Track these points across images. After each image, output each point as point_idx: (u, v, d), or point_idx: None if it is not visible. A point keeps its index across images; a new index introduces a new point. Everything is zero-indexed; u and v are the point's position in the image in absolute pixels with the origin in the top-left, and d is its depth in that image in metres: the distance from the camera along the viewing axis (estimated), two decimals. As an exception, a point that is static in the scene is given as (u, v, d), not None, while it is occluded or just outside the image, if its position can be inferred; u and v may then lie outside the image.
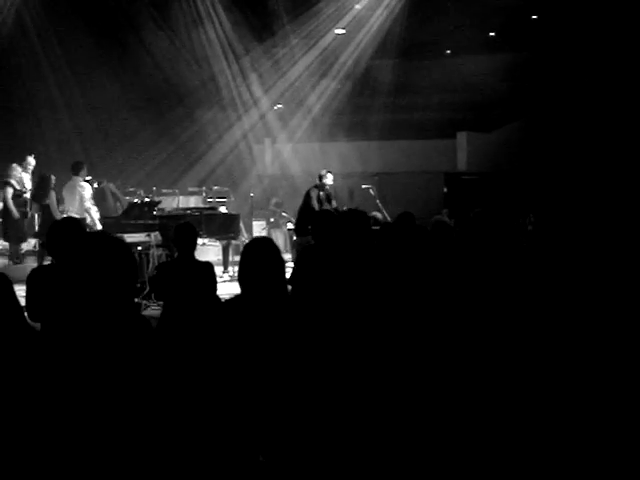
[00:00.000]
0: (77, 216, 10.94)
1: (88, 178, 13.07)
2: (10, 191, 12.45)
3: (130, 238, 10.12)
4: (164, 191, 16.09)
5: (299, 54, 18.25)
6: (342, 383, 4.15)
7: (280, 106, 18.92)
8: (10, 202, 12.44)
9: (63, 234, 4.87)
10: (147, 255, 10.42)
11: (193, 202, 16.03)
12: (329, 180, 12.11)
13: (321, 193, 11.99)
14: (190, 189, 16.90)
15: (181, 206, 15.21)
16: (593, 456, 3.96)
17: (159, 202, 12.68)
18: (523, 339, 4.58)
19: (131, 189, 15.60)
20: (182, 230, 6.28)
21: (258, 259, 3.94)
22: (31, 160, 13.01)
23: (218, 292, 6.51)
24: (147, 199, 13.65)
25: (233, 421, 3.80)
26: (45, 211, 12.20)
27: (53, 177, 12.38)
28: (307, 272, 5.50)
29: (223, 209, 13.93)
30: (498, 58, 17.41)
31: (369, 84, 18.46)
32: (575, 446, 4.03)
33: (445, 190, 17.31)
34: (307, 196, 11.89)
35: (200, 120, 18.58)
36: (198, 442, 4.27)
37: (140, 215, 11.37)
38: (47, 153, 16.36)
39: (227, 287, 10.59)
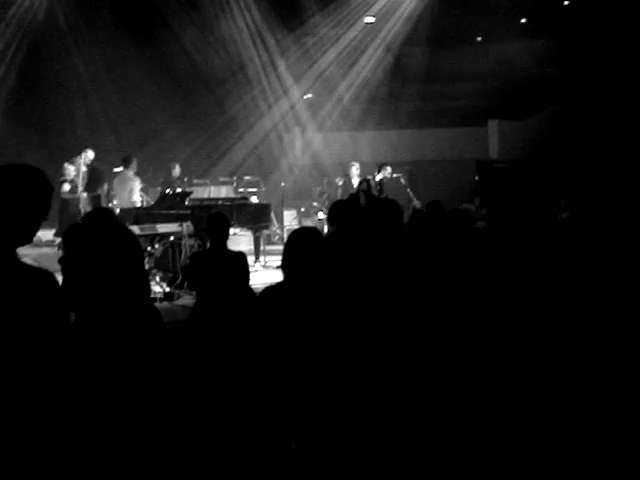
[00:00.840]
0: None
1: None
2: (67, 187, 12.60)
3: (162, 228, 10.19)
4: (195, 182, 16.13)
5: (329, 43, 18.20)
6: (378, 371, 4.15)
7: (310, 96, 18.88)
8: (67, 197, 12.54)
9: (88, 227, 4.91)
10: (179, 245, 10.49)
11: (224, 192, 16.07)
12: (386, 173, 12.40)
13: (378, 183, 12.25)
14: (221, 179, 16.94)
15: (212, 196, 15.27)
16: (593, 455, 3.93)
17: (191, 192, 12.75)
18: (555, 330, 4.54)
19: (162, 180, 15.68)
20: (214, 220, 6.31)
21: (304, 248, 3.95)
22: (90, 154, 13.07)
23: (251, 282, 6.54)
24: (179, 189, 13.72)
25: (266, 409, 3.83)
26: (95, 203, 12.37)
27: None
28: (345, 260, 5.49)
29: (254, 199, 13.97)
30: (530, 45, 17.26)
31: (399, 72, 18.37)
32: (575, 445, 4.00)
33: (477, 178, 17.21)
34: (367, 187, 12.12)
35: (230, 110, 18.60)
36: (232, 431, 4.30)
37: (172, 205, 11.44)
38: (79, 146, 16.50)
39: (259, 276, 10.63)
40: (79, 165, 12.79)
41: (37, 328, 2.46)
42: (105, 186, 12.71)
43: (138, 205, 12.24)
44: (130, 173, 12.64)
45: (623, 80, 16.35)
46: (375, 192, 12.14)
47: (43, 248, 13.41)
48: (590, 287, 4.87)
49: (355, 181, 13.48)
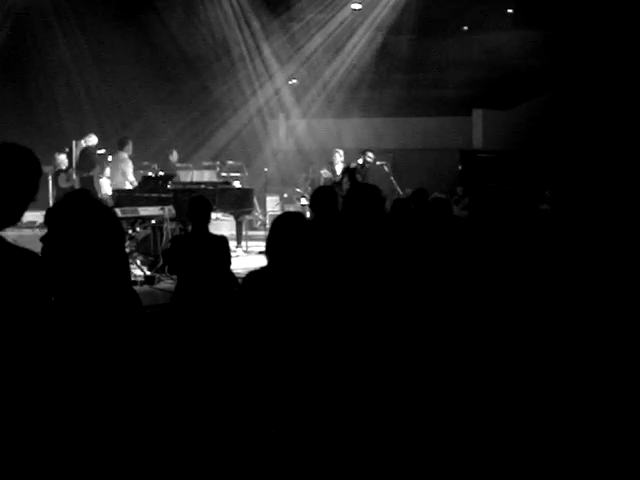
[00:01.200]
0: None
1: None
2: (63, 177, 12.70)
3: (144, 211, 10.12)
4: (178, 165, 16.06)
5: (315, 28, 18.11)
6: (360, 358, 4.14)
7: (295, 81, 18.80)
8: (65, 186, 12.53)
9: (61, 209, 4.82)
10: (161, 229, 10.43)
11: (207, 176, 16.00)
12: (369, 159, 12.34)
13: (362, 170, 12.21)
14: (204, 163, 16.87)
15: (195, 180, 15.21)
16: (593, 452, 3.95)
17: (173, 176, 12.69)
18: (531, 319, 4.55)
19: (145, 163, 15.59)
20: (196, 203, 6.27)
21: (288, 233, 3.92)
22: (93, 138, 13.26)
23: (232, 267, 6.51)
24: (161, 173, 13.64)
25: (247, 394, 3.81)
26: (86, 184, 12.37)
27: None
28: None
29: (237, 184, 13.92)
30: (516, 35, 17.24)
31: (385, 60, 18.32)
32: (575, 443, 4.02)
33: (460, 168, 17.23)
34: (352, 174, 12.07)
35: (214, 94, 18.50)
36: (211, 416, 4.28)
37: (154, 188, 11.38)
38: (61, 127, 16.37)
39: (241, 262, 10.60)
40: (79, 148, 13.07)
41: (21, 309, 2.43)
42: (97, 168, 12.69)
43: (131, 187, 12.34)
44: (124, 155, 12.76)
45: (609, 71, 16.39)
46: (360, 178, 12.11)
47: (23, 230, 13.31)
48: (570, 275, 4.89)
49: (338, 168, 13.46)
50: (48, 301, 2.61)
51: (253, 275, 3.98)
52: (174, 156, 15.10)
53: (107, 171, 13.67)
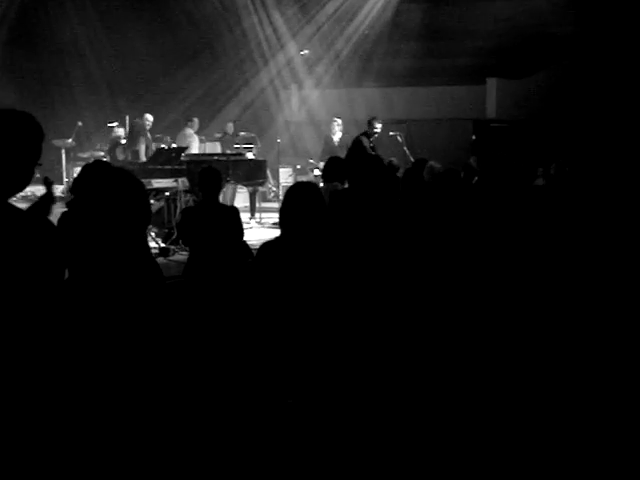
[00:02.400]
0: None
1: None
2: (120, 149, 13.09)
3: (157, 184, 10.15)
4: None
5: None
6: (375, 327, 4.16)
7: (307, 51, 18.68)
8: (122, 159, 12.80)
9: (90, 176, 4.86)
10: (175, 201, 10.46)
11: (220, 148, 16.01)
12: (379, 128, 12.10)
13: (371, 139, 12.00)
14: (217, 135, 16.85)
15: (208, 152, 15.21)
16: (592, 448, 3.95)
17: (186, 148, 12.69)
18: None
19: (158, 135, 15.60)
20: (206, 174, 6.28)
21: (302, 203, 3.92)
22: (149, 117, 13.77)
23: (246, 238, 6.52)
24: (174, 145, 13.64)
25: (263, 364, 3.84)
26: (134, 156, 12.59)
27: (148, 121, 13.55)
28: (342, 217, 5.48)
29: (250, 155, 13.90)
30: (529, 2, 17.03)
31: (398, 29, 18.15)
32: (575, 440, 4.02)
33: (474, 137, 17.12)
34: (358, 144, 11.83)
35: (226, 66, 18.42)
36: (229, 385, 4.31)
37: (167, 161, 11.38)
38: (75, 100, 16.38)
39: (254, 233, 10.63)
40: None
41: (33, 274, 2.45)
42: (142, 140, 13.09)
43: None
44: (190, 131, 14.62)
45: (627, 38, 16.18)
46: (369, 147, 11.99)
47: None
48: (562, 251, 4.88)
49: (337, 137, 13.34)
50: (60, 266, 2.62)
51: (267, 246, 4.00)
52: (230, 127, 16.29)
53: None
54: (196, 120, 15.07)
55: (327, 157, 8.21)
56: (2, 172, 2.49)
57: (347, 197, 5.99)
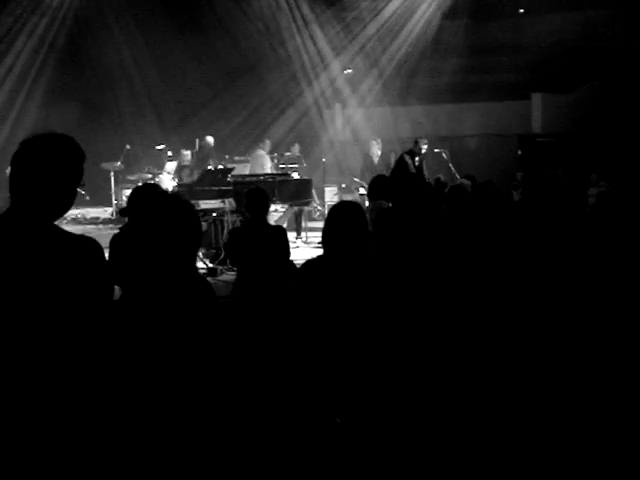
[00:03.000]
0: None
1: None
2: (187, 172, 13.57)
3: (204, 204, 10.27)
4: (236, 159, 16.23)
5: (369, 17, 18.05)
6: (420, 346, 4.16)
7: (350, 70, 18.76)
8: (188, 181, 13.08)
9: (141, 198, 4.95)
10: (222, 221, 10.57)
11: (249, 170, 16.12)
12: (424, 147, 12.16)
13: (416, 159, 12.04)
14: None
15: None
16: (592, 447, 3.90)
17: (233, 169, 12.82)
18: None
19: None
20: (253, 195, 6.35)
21: (344, 222, 3.95)
22: (210, 139, 14.91)
23: (293, 257, 6.57)
24: (221, 166, 13.80)
25: (311, 383, 3.86)
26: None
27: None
28: (387, 235, 5.50)
29: (295, 175, 13.99)
30: (573, 16, 16.91)
31: (440, 46, 18.15)
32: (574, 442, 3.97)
33: (519, 153, 16.99)
34: (401, 162, 11.92)
35: (271, 87, 18.58)
36: (277, 404, 4.33)
37: (214, 182, 11.51)
38: (123, 123, 16.68)
39: (300, 252, 10.68)
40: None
41: (83, 295, 2.49)
42: (211, 163, 14.08)
43: None
44: (262, 152, 15.13)
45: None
46: (414, 166, 12.02)
47: (87, 225, 13.65)
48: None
49: (375, 156, 13.50)
50: (109, 286, 2.66)
51: (309, 264, 4.03)
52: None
53: (167, 166, 13.90)
54: (268, 141, 15.56)
55: (367, 175, 8.29)
56: (45, 195, 2.53)
57: (392, 215, 6.01)
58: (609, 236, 5.04)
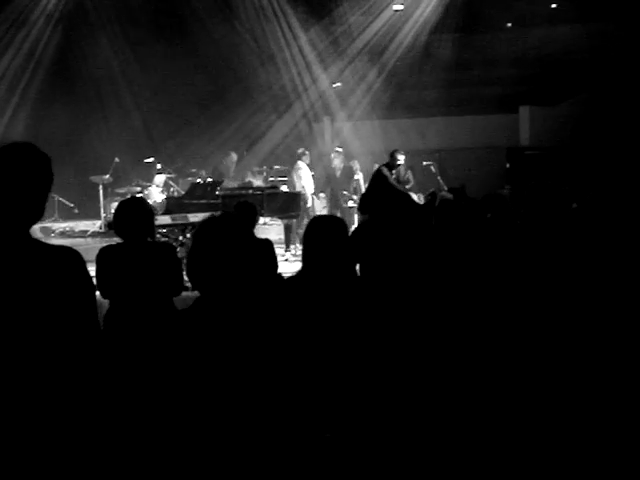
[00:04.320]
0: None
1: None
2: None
3: (193, 218, 10.25)
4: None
5: (357, 31, 18.13)
6: (408, 360, 4.15)
7: (339, 84, 18.82)
8: None
9: (129, 214, 4.92)
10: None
11: (255, 182, 16.14)
12: (401, 160, 12.22)
13: (393, 172, 12.10)
14: (256, 169, 17.02)
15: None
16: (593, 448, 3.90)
17: (221, 182, 12.82)
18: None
19: (193, 170, 15.82)
20: (241, 208, 6.36)
21: (323, 237, 3.91)
22: (233, 156, 15.56)
23: (281, 271, 6.56)
24: (209, 179, 13.80)
25: (299, 398, 3.84)
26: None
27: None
28: (368, 248, 5.50)
29: (284, 188, 14.00)
30: (560, 30, 17.03)
31: (429, 60, 18.24)
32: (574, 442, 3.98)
33: (508, 166, 17.06)
34: (380, 175, 11.99)
35: (259, 100, 18.62)
36: (264, 419, 4.30)
37: (203, 195, 11.51)
38: (111, 136, 16.65)
39: (289, 266, 10.66)
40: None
41: (61, 305, 2.46)
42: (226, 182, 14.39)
43: (308, 190, 13.98)
44: (300, 164, 14.51)
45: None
46: (394, 179, 12.10)
47: (76, 238, 13.60)
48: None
49: (335, 165, 14.37)
50: (90, 296, 2.62)
51: (290, 281, 4.02)
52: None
53: (156, 179, 13.88)
54: (307, 153, 14.85)
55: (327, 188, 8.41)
56: (14, 204, 2.50)
57: (370, 228, 6.04)
58: (591, 250, 5.06)
